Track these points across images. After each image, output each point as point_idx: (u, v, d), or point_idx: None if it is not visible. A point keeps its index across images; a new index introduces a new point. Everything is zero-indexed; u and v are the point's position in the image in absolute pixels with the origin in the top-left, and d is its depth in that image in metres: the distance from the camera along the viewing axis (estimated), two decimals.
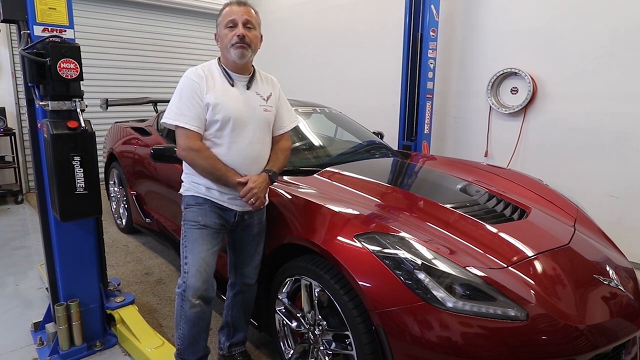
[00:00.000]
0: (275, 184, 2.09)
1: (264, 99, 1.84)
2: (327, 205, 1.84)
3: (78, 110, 1.95)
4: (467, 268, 1.54)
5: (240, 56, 1.73)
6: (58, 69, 1.84)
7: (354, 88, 5.53)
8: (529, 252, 1.74)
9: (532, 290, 1.53)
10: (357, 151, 3.09)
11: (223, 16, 1.76)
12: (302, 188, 2.14)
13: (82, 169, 1.93)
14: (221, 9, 1.80)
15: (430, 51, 4.18)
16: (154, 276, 3.19)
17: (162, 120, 1.76)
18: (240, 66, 1.78)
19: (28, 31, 1.88)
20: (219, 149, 1.76)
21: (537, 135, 3.93)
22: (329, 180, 2.33)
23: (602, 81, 3.49)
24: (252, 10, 1.78)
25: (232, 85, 1.78)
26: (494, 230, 1.88)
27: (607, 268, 1.82)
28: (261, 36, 1.83)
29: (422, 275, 1.49)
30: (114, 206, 4.24)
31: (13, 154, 5.14)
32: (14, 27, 2.44)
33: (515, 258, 1.68)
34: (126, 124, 4.11)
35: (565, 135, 3.73)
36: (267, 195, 1.95)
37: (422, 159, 3.17)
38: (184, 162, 1.85)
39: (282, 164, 1.91)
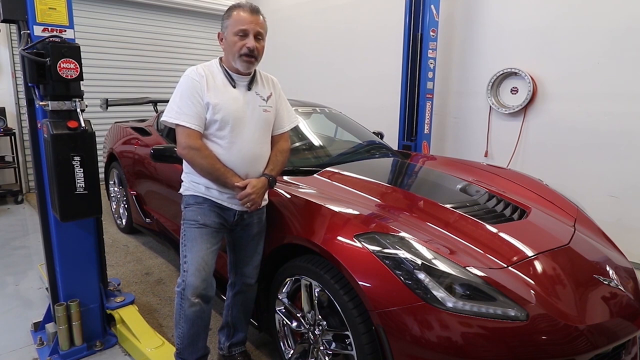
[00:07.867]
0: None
1: (264, 100, 1.84)
2: (327, 205, 1.84)
3: (78, 110, 1.95)
4: (467, 268, 1.54)
5: (247, 68, 1.75)
6: (58, 69, 1.84)
7: (354, 88, 5.53)
8: (529, 252, 1.74)
9: (532, 290, 1.53)
10: (357, 151, 3.09)
11: (234, 20, 1.72)
12: (302, 188, 2.14)
13: (82, 169, 1.93)
14: (230, 11, 1.74)
15: (430, 51, 4.18)
16: (154, 276, 3.19)
17: (162, 119, 1.77)
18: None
19: (28, 31, 1.88)
20: (219, 148, 1.76)
21: (537, 135, 3.93)
22: (329, 180, 2.33)
23: (602, 81, 3.49)
24: (262, 19, 1.76)
25: (234, 87, 1.78)
26: (494, 230, 1.88)
27: (607, 268, 1.82)
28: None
29: (422, 275, 1.49)
30: (114, 206, 4.24)
31: (13, 154, 5.14)
32: (14, 27, 2.44)
33: (515, 258, 1.68)
34: (126, 124, 4.10)
35: (565, 135, 3.73)
36: (267, 194, 1.95)
37: (422, 159, 3.17)
38: (184, 162, 1.85)
39: (281, 167, 1.91)
